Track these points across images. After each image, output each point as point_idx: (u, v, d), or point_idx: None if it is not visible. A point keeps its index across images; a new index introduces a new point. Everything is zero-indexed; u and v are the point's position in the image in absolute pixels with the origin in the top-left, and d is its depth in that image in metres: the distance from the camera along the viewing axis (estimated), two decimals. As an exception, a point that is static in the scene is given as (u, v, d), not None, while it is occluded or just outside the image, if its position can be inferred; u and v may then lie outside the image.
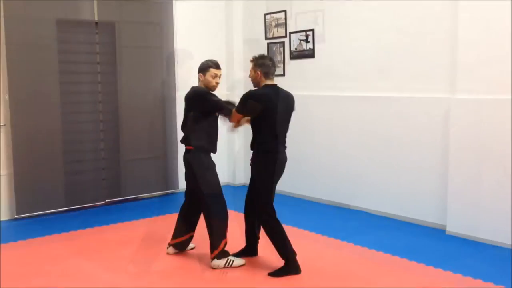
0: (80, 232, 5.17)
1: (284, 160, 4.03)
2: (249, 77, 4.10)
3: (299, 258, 4.01)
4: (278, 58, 6.64)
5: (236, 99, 4.21)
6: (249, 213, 4.18)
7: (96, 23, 6.13)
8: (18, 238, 4.95)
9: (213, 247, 4.10)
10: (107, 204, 6.30)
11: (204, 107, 4.07)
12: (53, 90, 5.80)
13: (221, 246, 4.08)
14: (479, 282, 3.82)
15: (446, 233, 4.95)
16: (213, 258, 4.10)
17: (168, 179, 6.79)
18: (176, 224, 4.43)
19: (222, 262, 4.08)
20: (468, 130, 4.74)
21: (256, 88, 4.07)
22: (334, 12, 5.99)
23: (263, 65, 3.98)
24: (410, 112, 5.30)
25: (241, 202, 5.61)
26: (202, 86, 4.17)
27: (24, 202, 5.68)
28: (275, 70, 4.08)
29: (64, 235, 5.07)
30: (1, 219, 5.59)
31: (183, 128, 4.25)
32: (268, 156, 3.95)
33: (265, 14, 6.84)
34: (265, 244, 4.50)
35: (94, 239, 4.91)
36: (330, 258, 4.36)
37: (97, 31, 6.17)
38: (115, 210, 6.05)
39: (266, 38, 6.86)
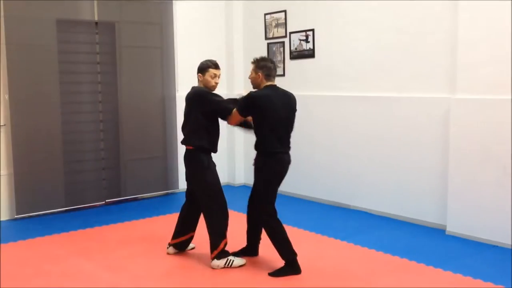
0: (80, 232, 5.17)
1: (287, 161, 4.02)
2: (249, 78, 4.10)
3: (299, 258, 4.01)
4: (278, 58, 6.64)
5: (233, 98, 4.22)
6: (251, 213, 4.18)
7: (96, 23, 6.14)
8: (18, 238, 4.95)
9: (213, 247, 4.10)
10: (107, 204, 6.30)
11: (204, 107, 4.06)
12: (53, 90, 5.80)
13: (221, 246, 4.08)
14: (479, 282, 3.81)
15: (446, 233, 4.95)
16: (213, 258, 4.10)
17: (168, 179, 6.79)
18: (177, 224, 4.44)
19: (222, 262, 4.08)
20: (468, 130, 4.74)
21: (255, 89, 4.07)
22: (334, 12, 5.99)
23: (264, 67, 3.99)
24: (410, 112, 5.30)
25: (241, 202, 5.61)
26: (202, 86, 4.17)
27: (24, 202, 5.68)
28: (276, 72, 4.09)
29: (64, 235, 5.07)
30: (1, 219, 5.60)
31: (183, 128, 4.24)
32: (271, 157, 3.95)
33: (265, 14, 6.84)
34: (265, 244, 4.50)
35: (94, 239, 4.91)
36: (330, 258, 4.36)
37: (97, 31, 6.17)
38: (115, 210, 6.05)
39: (266, 38, 6.86)
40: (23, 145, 5.65)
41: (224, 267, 4.08)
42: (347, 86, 5.93)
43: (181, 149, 6.63)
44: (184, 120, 4.23)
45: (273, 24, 6.75)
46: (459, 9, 4.77)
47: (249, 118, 4.10)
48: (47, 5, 5.71)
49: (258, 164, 4.00)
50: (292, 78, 6.44)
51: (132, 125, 6.43)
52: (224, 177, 6.93)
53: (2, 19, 5.46)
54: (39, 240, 4.92)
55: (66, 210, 5.96)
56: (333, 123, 6.08)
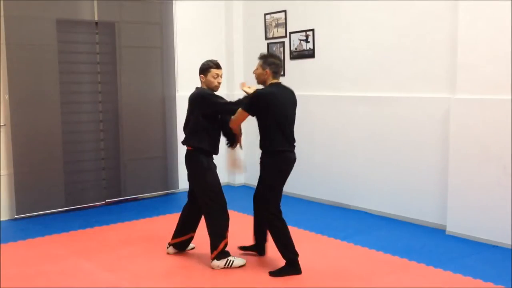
0: (80, 232, 5.17)
1: (293, 159, 4.02)
2: (254, 73, 4.05)
3: (299, 258, 4.01)
4: (278, 58, 6.64)
5: (235, 100, 4.21)
6: (258, 213, 4.17)
7: (96, 23, 6.14)
8: (18, 238, 4.95)
9: (213, 247, 4.10)
10: (107, 204, 6.31)
11: (206, 109, 4.06)
12: (53, 90, 5.80)
13: (221, 246, 4.07)
14: (479, 282, 3.81)
15: (446, 233, 4.95)
16: (212, 259, 4.10)
17: (168, 179, 6.79)
18: (177, 224, 4.44)
19: (221, 262, 4.08)
20: (468, 130, 4.74)
21: (260, 85, 4.06)
22: (334, 12, 5.99)
23: (272, 64, 3.97)
24: (410, 112, 5.30)
25: (241, 202, 5.61)
26: (204, 87, 4.16)
27: (24, 202, 5.68)
28: (282, 70, 4.07)
29: (64, 235, 5.07)
30: (1, 219, 5.60)
31: (184, 128, 4.24)
32: (278, 156, 3.95)
33: (265, 14, 6.84)
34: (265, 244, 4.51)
35: (94, 239, 4.91)
36: (330, 258, 4.36)
37: (97, 31, 6.17)
38: (115, 210, 6.05)
39: (266, 38, 6.86)
40: (23, 145, 5.65)
41: (224, 268, 4.08)
42: (347, 86, 5.93)
43: (181, 149, 6.63)
44: (185, 120, 4.23)
45: (273, 24, 6.75)
46: (459, 9, 4.77)
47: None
48: (47, 5, 5.71)
49: (265, 163, 3.99)
50: (292, 78, 6.44)
51: (132, 125, 6.43)
52: (224, 177, 6.93)
53: (2, 19, 5.46)
54: (39, 240, 4.92)
55: (66, 210, 5.96)
56: (333, 123, 6.08)
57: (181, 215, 4.45)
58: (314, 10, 6.21)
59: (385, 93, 5.53)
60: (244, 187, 7.16)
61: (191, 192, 4.37)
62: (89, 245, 4.73)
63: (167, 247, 4.49)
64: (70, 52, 6.00)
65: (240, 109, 3.96)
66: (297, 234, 4.74)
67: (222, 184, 4.22)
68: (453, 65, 4.88)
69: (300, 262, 4.00)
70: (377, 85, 5.61)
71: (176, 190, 6.84)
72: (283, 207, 4.07)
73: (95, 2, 6.06)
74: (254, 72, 4.06)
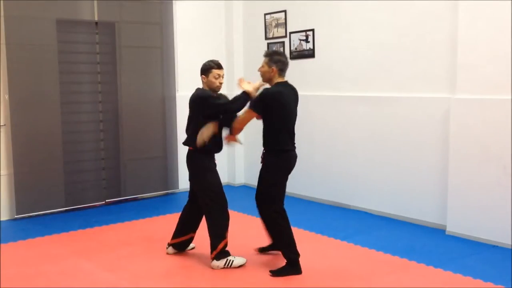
0: (80, 232, 5.17)
1: (296, 157, 4.04)
2: (259, 71, 4.02)
3: (299, 258, 4.02)
4: (278, 58, 6.64)
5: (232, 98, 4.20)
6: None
7: (96, 23, 6.14)
8: (18, 238, 4.95)
9: (212, 247, 4.10)
10: (107, 204, 6.31)
11: (205, 110, 4.05)
12: (53, 90, 5.80)
13: (220, 246, 4.07)
14: (479, 282, 3.81)
15: (446, 233, 4.95)
16: (212, 259, 4.10)
17: (168, 179, 6.79)
18: (177, 224, 4.44)
19: (221, 262, 4.08)
20: (468, 130, 4.74)
21: (265, 82, 4.05)
22: (334, 12, 5.99)
23: (279, 62, 3.95)
24: (410, 112, 5.30)
25: (241, 202, 5.61)
26: (206, 87, 4.15)
27: (24, 202, 5.68)
28: (287, 67, 4.05)
29: (64, 235, 5.07)
30: (1, 219, 5.60)
31: (187, 130, 4.24)
32: (283, 154, 3.96)
33: (265, 14, 6.84)
34: (263, 244, 4.50)
35: (94, 239, 4.91)
36: (330, 258, 4.36)
37: (97, 31, 6.17)
38: (115, 210, 6.05)
39: (266, 38, 6.87)
40: (23, 145, 5.65)
41: (224, 268, 4.08)
42: (347, 86, 5.93)
43: (181, 149, 6.65)
44: (187, 121, 4.22)
45: (273, 24, 6.75)
46: (459, 9, 4.77)
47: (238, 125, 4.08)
48: (47, 5, 5.71)
49: (270, 162, 3.98)
50: (292, 78, 6.35)
51: (132, 125, 6.43)
52: (224, 177, 6.93)
53: (2, 19, 5.46)
54: (39, 240, 4.92)
55: (66, 210, 5.96)
56: (333, 123, 6.08)
57: (181, 215, 4.44)
58: (314, 10, 6.21)
59: (385, 93, 5.53)
60: (244, 187, 7.16)
61: (191, 192, 4.37)
62: (89, 245, 4.73)
63: (167, 247, 4.49)
64: (70, 52, 6.00)
65: (247, 109, 3.94)
66: (297, 234, 4.71)
67: (222, 184, 4.22)
68: (453, 65, 4.88)
69: (300, 262, 4.00)
70: (377, 85, 5.61)
71: (176, 190, 6.84)
72: (284, 207, 4.07)
73: (95, 2, 6.06)
74: (260, 69, 4.02)
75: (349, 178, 5.94)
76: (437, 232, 5.00)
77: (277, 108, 3.88)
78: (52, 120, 5.81)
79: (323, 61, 6.17)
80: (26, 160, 5.67)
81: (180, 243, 4.43)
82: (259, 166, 4.11)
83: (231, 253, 4.17)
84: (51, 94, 5.80)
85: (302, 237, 4.76)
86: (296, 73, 6.47)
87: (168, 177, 6.78)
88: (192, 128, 4.14)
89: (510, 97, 4.46)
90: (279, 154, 3.96)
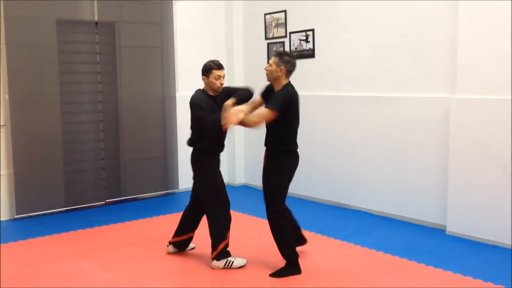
0: (80, 232, 5.17)
1: (298, 157, 4.09)
2: (266, 69, 3.98)
3: (299, 258, 4.02)
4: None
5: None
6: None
7: (96, 23, 6.14)
8: (18, 238, 4.95)
9: (213, 248, 4.10)
10: (107, 204, 6.31)
11: (192, 116, 4.08)
12: (53, 90, 5.80)
13: (221, 247, 4.07)
14: (479, 282, 3.81)
15: (446, 233, 4.95)
16: (212, 259, 4.10)
17: (168, 179, 6.79)
18: (179, 223, 4.44)
19: (221, 263, 4.08)
20: (468, 130, 4.74)
21: (269, 82, 4.06)
22: (334, 12, 5.99)
23: (289, 63, 3.95)
24: (410, 112, 5.30)
25: (241, 202, 5.61)
26: (208, 88, 4.14)
27: (24, 202, 5.68)
28: (295, 69, 4.06)
29: (64, 235, 5.07)
30: (1, 219, 5.60)
31: (191, 129, 4.24)
32: (290, 154, 4.00)
33: (265, 14, 6.84)
34: (265, 244, 4.50)
35: (94, 239, 4.91)
36: (330, 258, 4.36)
37: (97, 31, 6.17)
38: (115, 210, 6.05)
39: (266, 38, 6.87)
40: (23, 145, 5.65)
41: (223, 268, 4.08)
42: (347, 86, 5.93)
43: (181, 149, 6.68)
44: (190, 122, 4.22)
45: (273, 24, 6.75)
46: (459, 9, 4.77)
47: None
48: (47, 5, 5.71)
49: (280, 162, 3.98)
50: (292, 78, 6.40)
51: (132, 125, 6.43)
52: (224, 177, 6.86)
53: (2, 19, 5.46)
54: (39, 240, 4.92)
55: (66, 210, 5.96)
56: (333, 123, 6.08)
57: (183, 214, 4.45)
58: (314, 10, 6.21)
59: (385, 93, 5.53)
60: (244, 187, 7.16)
61: (194, 191, 4.36)
62: (89, 245, 4.73)
63: (167, 246, 4.49)
64: (70, 52, 6.01)
65: (268, 110, 3.82)
66: (297, 234, 4.75)
67: (225, 184, 4.21)
68: (453, 65, 4.88)
69: (300, 262, 4.00)
70: (377, 85, 5.61)
71: (176, 190, 6.84)
72: (284, 207, 4.07)
73: (95, 2, 6.06)
74: (267, 68, 3.99)
75: (349, 178, 5.94)
76: (437, 232, 5.00)
77: (294, 109, 3.93)
78: (52, 120, 5.81)
79: (323, 61, 6.17)
80: (26, 160, 5.67)
81: (180, 242, 4.43)
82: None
83: (231, 253, 4.16)
84: (51, 94, 5.79)
85: (302, 237, 4.77)
86: (296, 73, 6.40)
87: (168, 177, 6.78)
88: (193, 129, 4.14)
89: (510, 97, 4.46)
90: (288, 154, 3.99)
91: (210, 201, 4.12)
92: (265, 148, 4.11)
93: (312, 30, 6.25)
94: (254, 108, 4.11)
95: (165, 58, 6.68)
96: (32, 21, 5.63)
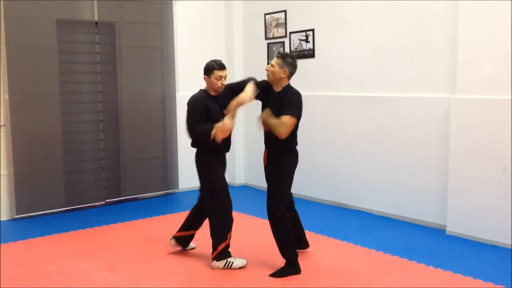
0: (80, 232, 5.17)
1: (298, 154, 4.15)
2: (268, 70, 3.99)
3: (299, 258, 4.02)
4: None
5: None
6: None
7: (96, 23, 6.14)
8: (18, 238, 4.95)
9: (213, 248, 4.10)
10: (107, 204, 6.31)
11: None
12: (53, 90, 5.80)
13: (220, 247, 4.07)
14: (479, 282, 3.81)
15: (446, 233, 4.95)
16: (212, 259, 4.10)
17: (168, 179, 6.79)
18: (185, 219, 4.44)
19: (221, 263, 4.08)
20: (468, 130, 4.74)
21: (267, 83, 4.07)
22: (334, 12, 5.99)
23: (291, 65, 3.98)
24: (410, 112, 5.30)
25: (241, 202, 5.61)
26: (209, 88, 4.13)
27: (24, 202, 5.68)
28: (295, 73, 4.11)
29: (64, 235, 5.07)
30: (1, 219, 5.60)
31: None
32: (294, 153, 4.06)
33: (265, 14, 6.84)
34: (265, 244, 4.50)
35: (94, 239, 4.91)
36: (330, 258, 4.36)
37: (97, 31, 6.18)
38: (115, 210, 6.05)
39: (266, 38, 6.87)
40: (23, 145, 5.65)
41: (223, 268, 4.08)
42: (347, 86, 5.93)
43: (181, 149, 6.68)
44: None
45: (273, 24, 6.75)
46: (459, 9, 4.77)
47: None
48: (47, 5, 5.71)
49: (286, 161, 4.02)
50: (292, 78, 6.42)
51: (132, 125, 6.43)
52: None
53: (2, 19, 5.46)
54: (39, 240, 4.92)
55: (66, 210, 5.96)
56: (333, 123, 6.08)
57: (190, 211, 4.44)
58: (314, 10, 6.21)
59: (385, 93, 5.53)
60: (244, 187, 7.16)
61: (200, 191, 4.36)
62: (89, 245, 4.73)
63: (170, 239, 4.49)
64: (70, 52, 6.01)
65: (289, 117, 3.85)
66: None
67: (227, 185, 4.18)
68: (453, 65, 4.88)
69: (300, 262, 4.00)
70: (377, 85, 5.61)
71: (176, 190, 6.84)
72: (284, 207, 4.07)
73: (95, 2, 6.06)
74: (269, 69, 3.99)
75: (349, 178, 5.94)
76: (437, 232, 5.00)
77: (301, 110, 3.99)
78: (52, 120, 5.81)
79: (323, 61, 6.17)
80: (26, 160, 5.67)
81: (182, 237, 4.43)
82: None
83: (233, 254, 4.16)
84: (51, 94, 5.79)
85: (302, 237, 4.77)
86: (296, 73, 6.45)
87: (168, 177, 6.78)
88: None
89: (510, 97, 4.46)
90: (292, 153, 4.05)
91: (211, 201, 4.11)
92: (265, 147, 4.12)
93: (312, 30, 6.25)
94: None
95: (165, 58, 6.68)
96: (32, 21, 5.63)
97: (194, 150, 4.16)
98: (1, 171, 5.61)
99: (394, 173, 5.47)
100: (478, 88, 4.68)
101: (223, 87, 4.10)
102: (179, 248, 4.50)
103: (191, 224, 4.40)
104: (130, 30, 6.35)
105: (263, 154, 4.19)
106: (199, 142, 4.07)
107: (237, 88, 4.14)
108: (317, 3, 6.17)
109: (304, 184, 6.35)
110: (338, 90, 6.03)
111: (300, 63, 6.34)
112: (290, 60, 3.98)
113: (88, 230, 5.23)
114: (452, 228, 4.91)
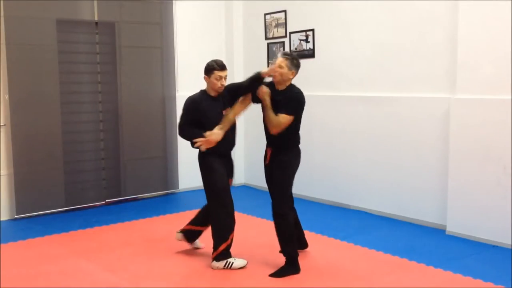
0: (80, 232, 5.17)
1: (301, 152, 4.23)
2: (278, 71, 3.98)
3: (299, 258, 4.02)
4: (278, 58, 6.64)
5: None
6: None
7: (96, 23, 6.14)
8: (18, 238, 4.95)
9: (214, 248, 4.10)
10: (107, 204, 6.31)
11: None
12: (53, 90, 5.80)
13: (221, 248, 4.06)
14: (479, 282, 3.81)
15: (446, 233, 4.95)
16: (212, 259, 4.10)
17: (168, 179, 6.79)
18: (196, 214, 4.44)
19: (221, 264, 4.08)
20: (468, 130, 4.74)
21: (269, 82, 4.10)
22: (334, 12, 5.99)
23: (298, 67, 4.07)
24: (410, 112, 5.30)
25: (241, 202, 5.61)
26: (209, 88, 4.12)
27: (24, 202, 5.68)
28: None
29: (64, 235, 5.07)
30: (1, 219, 5.60)
31: None
32: (298, 151, 4.14)
33: (265, 14, 6.84)
34: (265, 244, 4.51)
35: (94, 239, 4.91)
36: (330, 258, 4.36)
37: (97, 31, 6.18)
38: (115, 210, 6.05)
39: (266, 38, 6.87)
40: (23, 145, 5.65)
41: (223, 269, 4.08)
42: (347, 86, 5.93)
43: (181, 149, 6.67)
44: None
45: (273, 24, 6.75)
46: (459, 9, 4.77)
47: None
48: (47, 5, 5.71)
49: (291, 159, 4.07)
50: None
51: (132, 125, 6.43)
52: (224, 177, 6.94)
53: (2, 19, 5.46)
54: (39, 240, 4.92)
55: (66, 210, 5.96)
56: (333, 123, 6.08)
57: (202, 207, 4.42)
58: (314, 10, 6.21)
59: (385, 93, 5.53)
60: (244, 187, 7.15)
61: None
62: (89, 245, 4.73)
63: (177, 232, 4.48)
64: (70, 52, 6.01)
65: (287, 116, 3.93)
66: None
67: (228, 186, 4.16)
68: (453, 65, 4.88)
69: (300, 262, 4.01)
70: (377, 85, 5.61)
71: (176, 190, 6.83)
72: (284, 207, 4.07)
73: (95, 2, 6.06)
74: (278, 70, 3.98)
75: (349, 178, 5.94)
76: (437, 232, 5.00)
77: (302, 109, 4.08)
78: (52, 120, 5.81)
79: (323, 61, 6.17)
80: (26, 160, 5.67)
81: (189, 231, 4.41)
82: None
83: (233, 254, 4.15)
84: (51, 94, 5.80)
85: (302, 237, 4.77)
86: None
87: (168, 177, 6.78)
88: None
89: (510, 97, 4.46)
90: (296, 151, 4.13)
91: (211, 201, 4.12)
92: (266, 147, 4.14)
93: (312, 30, 6.25)
94: (245, 101, 4.16)
95: (165, 58, 6.68)
96: (32, 21, 5.63)
97: (195, 150, 4.16)
98: (1, 171, 5.61)
99: (394, 173, 5.47)
100: (478, 88, 4.68)
101: (223, 88, 4.10)
102: (184, 242, 4.47)
103: (201, 221, 4.37)
104: (130, 30, 6.35)
105: (264, 152, 4.20)
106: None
107: (237, 88, 4.15)
108: (317, 3, 6.17)
109: (304, 184, 6.35)
110: (338, 90, 6.03)
111: (300, 63, 6.40)
112: (296, 62, 4.05)
113: (88, 230, 5.23)
114: (452, 228, 4.91)
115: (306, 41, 6.33)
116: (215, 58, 4.27)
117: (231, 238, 4.10)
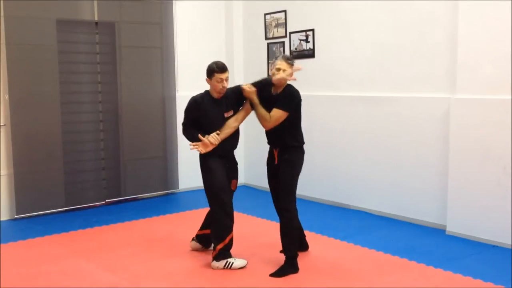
0: (80, 232, 5.17)
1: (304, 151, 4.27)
2: (284, 73, 4.02)
3: (299, 258, 4.03)
4: (278, 58, 6.65)
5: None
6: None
7: (96, 23, 6.14)
8: (18, 238, 4.95)
9: (213, 248, 4.11)
10: (107, 204, 6.31)
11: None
12: (53, 90, 5.80)
13: (219, 248, 4.06)
14: (479, 282, 3.81)
15: (446, 233, 4.95)
16: (212, 259, 4.10)
17: (168, 179, 6.79)
18: (205, 216, 4.45)
19: (221, 264, 4.08)
20: (468, 130, 4.74)
21: (270, 84, 4.13)
22: (334, 12, 5.99)
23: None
24: (410, 112, 5.30)
25: (241, 202, 5.61)
26: (212, 90, 4.12)
27: (24, 202, 5.68)
28: None
29: (64, 235, 5.07)
30: (1, 219, 5.60)
31: None
32: (302, 149, 4.19)
33: (265, 14, 6.84)
34: (265, 244, 4.50)
35: (94, 239, 4.91)
36: (330, 258, 4.36)
37: (97, 31, 6.18)
38: (115, 210, 6.05)
39: (266, 38, 6.87)
40: (23, 145, 5.65)
41: (223, 269, 4.08)
42: (347, 86, 5.93)
43: (181, 149, 6.67)
44: None
45: (273, 24, 6.75)
46: (459, 9, 4.77)
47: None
48: (47, 5, 5.71)
49: (296, 158, 4.12)
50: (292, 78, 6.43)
51: (132, 125, 6.43)
52: (224, 177, 6.93)
53: (2, 19, 5.46)
54: (39, 240, 4.92)
55: (66, 210, 5.96)
56: (333, 123, 6.08)
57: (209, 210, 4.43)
58: (314, 10, 6.21)
59: (385, 93, 5.53)
60: (244, 187, 7.15)
61: None
62: (89, 245, 4.73)
63: (191, 241, 4.49)
64: (70, 52, 6.01)
65: (280, 111, 3.99)
66: (297, 234, 4.74)
67: (226, 186, 4.16)
68: (453, 65, 4.88)
69: (300, 262, 4.01)
70: (377, 85, 5.61)
71: (176, 190, 6.83)
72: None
73: (95, 2, 6.06)
74: (286, 73, 4.03)
75: (349, 178, 5.94)
76: (437, 232, 5.00)
77: (300, 106, 4.12)
78: (52, 120, 5.81)
79: (323, 61, 6.17)
80: (26, 160, 5.67)
81: (203, 236, 4.42)
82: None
83: (233, 254, 4.15)
84: (51, 94, 5.80)
85: (302, 237, 4.77)
86: (296, 73, 6.46)
87: (168, 177, 6.78)
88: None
89: (510, 97, 4.46)
90: (301, 149, 4.18)
91: (210, 201, 4.12)
92: (269, 147, 4.21)
93: (312, 30, 6.25)
94: (247, 108, 4.19)
95: (165, 58, 6.68)
96: (32, 21, 5.63)
97: (195, 150, 4.16)
98: (1, 171, 5.61)
99: (394, 173, 5.47)
100: (478, 88, 4.68)
101: (225, 90, 4.09)
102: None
103: (210, 223, 4.34)
104: (130, 30, 6.35)
105: (269, 154, 4.21)
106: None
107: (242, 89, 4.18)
108: (317, 3, 6.17)
109: (304, 184, 6.32)
110: (338, 90, 6.03)
111: (300, 63, 6.38)
112: (294, 66, 4.14)
113: (88, 230, 5.23)
114: (452, 228, 4.91)
115: (306, 41, 6.33)
116: (215, 58, 4.29)
117: (229, 238, 4.09)
